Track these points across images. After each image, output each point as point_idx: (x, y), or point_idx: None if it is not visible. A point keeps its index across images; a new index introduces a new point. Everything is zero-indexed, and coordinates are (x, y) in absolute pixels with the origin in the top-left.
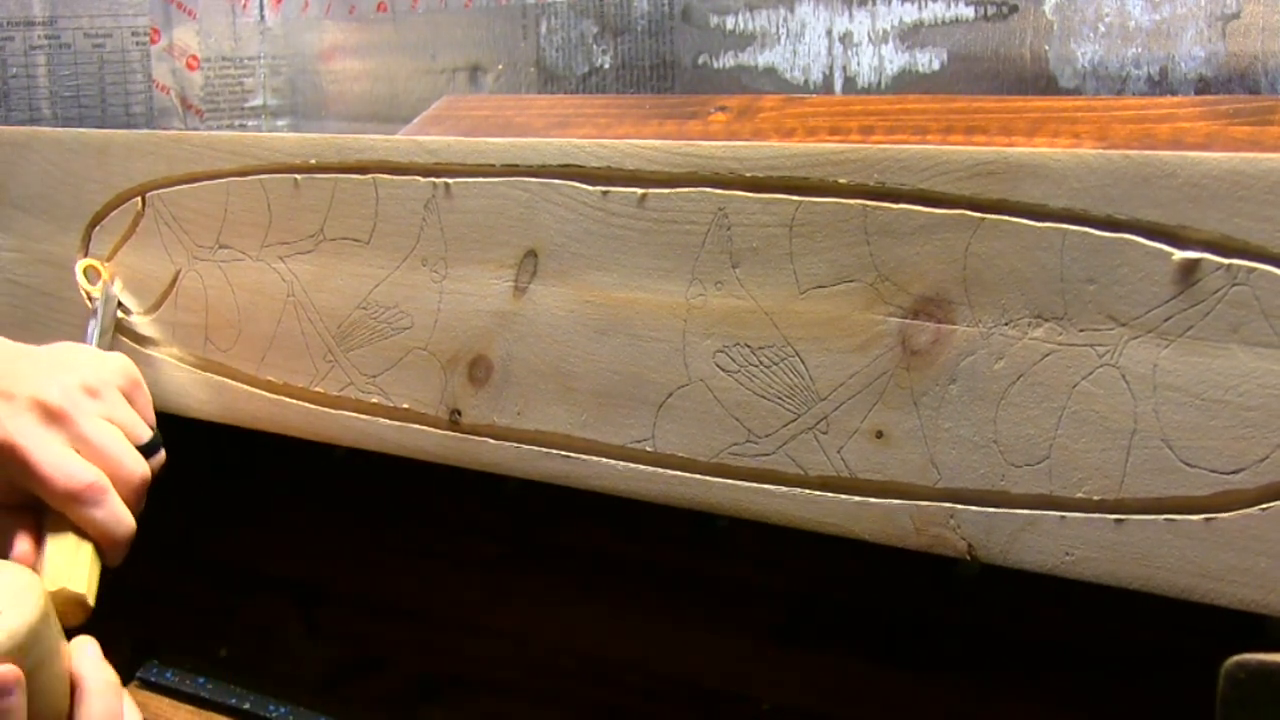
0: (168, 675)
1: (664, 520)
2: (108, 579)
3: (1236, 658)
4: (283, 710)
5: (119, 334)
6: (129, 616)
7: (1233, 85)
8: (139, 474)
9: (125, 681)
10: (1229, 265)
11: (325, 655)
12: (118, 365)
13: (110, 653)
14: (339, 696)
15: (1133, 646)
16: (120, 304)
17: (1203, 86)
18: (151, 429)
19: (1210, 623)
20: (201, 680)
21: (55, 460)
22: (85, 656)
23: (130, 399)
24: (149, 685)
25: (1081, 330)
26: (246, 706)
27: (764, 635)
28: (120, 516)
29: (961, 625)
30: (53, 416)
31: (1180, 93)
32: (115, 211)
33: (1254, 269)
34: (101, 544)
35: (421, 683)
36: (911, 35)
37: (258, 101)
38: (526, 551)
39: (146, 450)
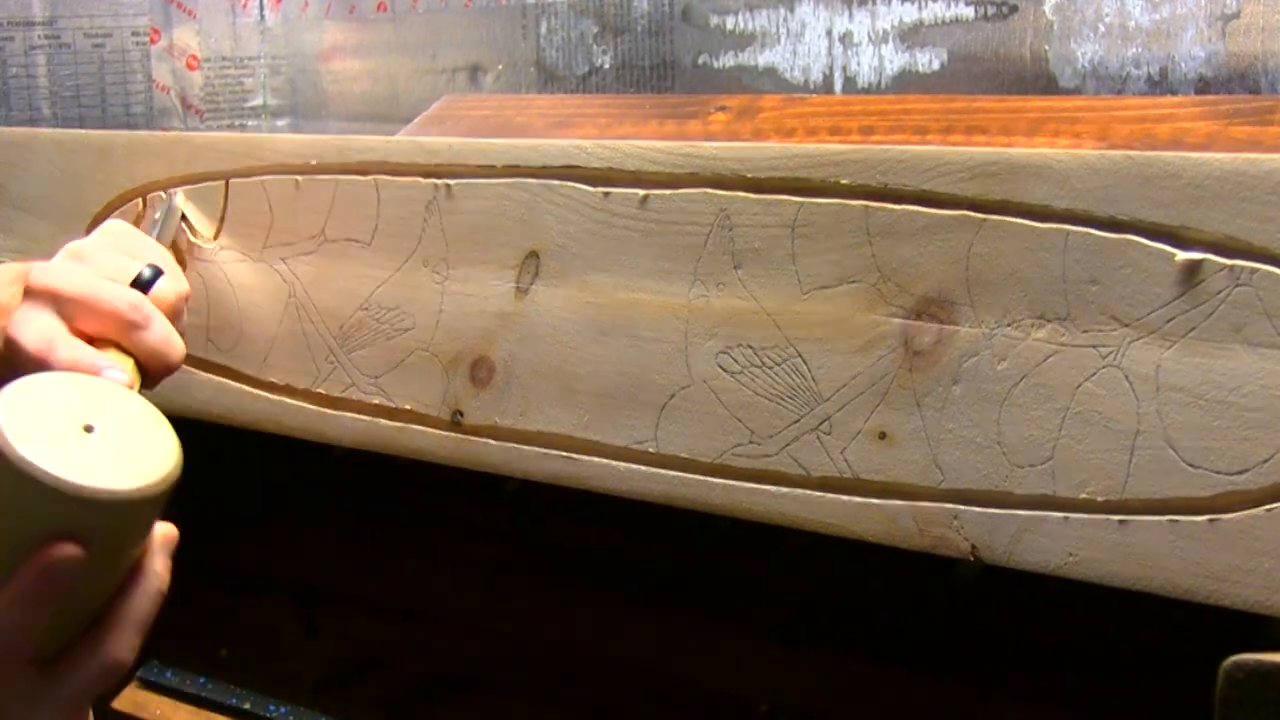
0: (168, 675)
1: (664, 520)
2: None
3: (1235, 658)
4: (283, 710)
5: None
6: None
7: (1233, 85)
8: (173, 294)
9: (125, 682)
10: (1232, 266)
11: (325, 655)
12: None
13: None
14: (339, 696)
15: (1132, 646)
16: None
17: (1203, 86)
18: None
19: (1210, 622)
20: (201, 680)
21: (93, 286)
22: (160, 550)
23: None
24: (149, 685)
25: (1084, 331)
26: (246, 706)
27: (764, 635)
28: (169, 336)
29: (961, 625)
30: (78, 256)
31: (1180, 93)
32: (116, 212)
33: (1257, 270)
34: (154, 368)
35: (421, 683)
36: (911, 35)
37: (258, 101)
38: (526, 551)
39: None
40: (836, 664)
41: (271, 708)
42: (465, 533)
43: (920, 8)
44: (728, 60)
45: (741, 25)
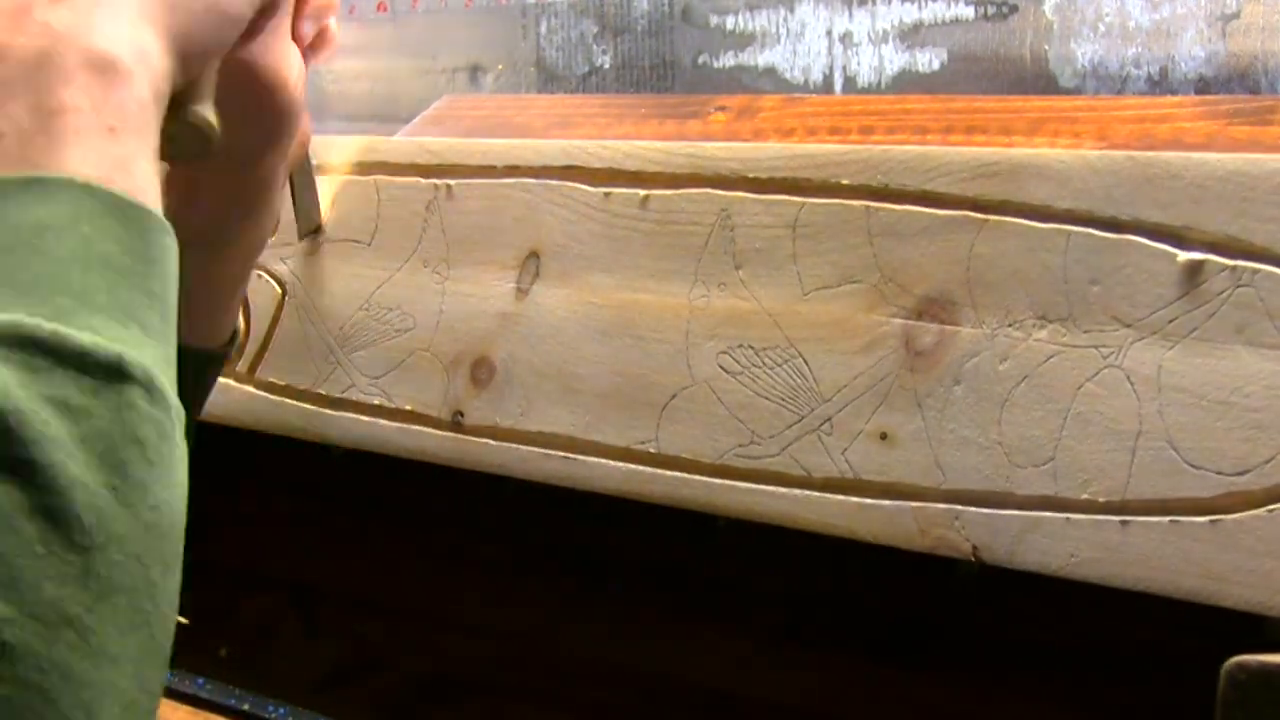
0: (167, 675)
1: (664, 520)
2: None
3: (1236, 658)
4: (282, 710)
5: None
6: None
7: (1233, 85)
8: None
9: None
10: (1234, 266)
11: (325, 655)
12: None
13: None
14: (339, 696)
15: (1132, 646)
16: None
17: (1203, 86)
18: None
19: (1211, 623)
20: (201, 680)
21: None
22: None
23: None
24: None
25: (1086, 331)
26: (246, 707)
27: (764, 635)
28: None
29: (962, 625)
30: None
31: (1180, 93)
32: None
33: (1259, 270)
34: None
35: (421, 683)
36: (911, 35)
37: None
38: (526, 551)
39: None
40: (836, 664)
41: (271, 708)
42: (465, 533)
43: (920, 8)
44: (728, 60)
45: (741, 25)
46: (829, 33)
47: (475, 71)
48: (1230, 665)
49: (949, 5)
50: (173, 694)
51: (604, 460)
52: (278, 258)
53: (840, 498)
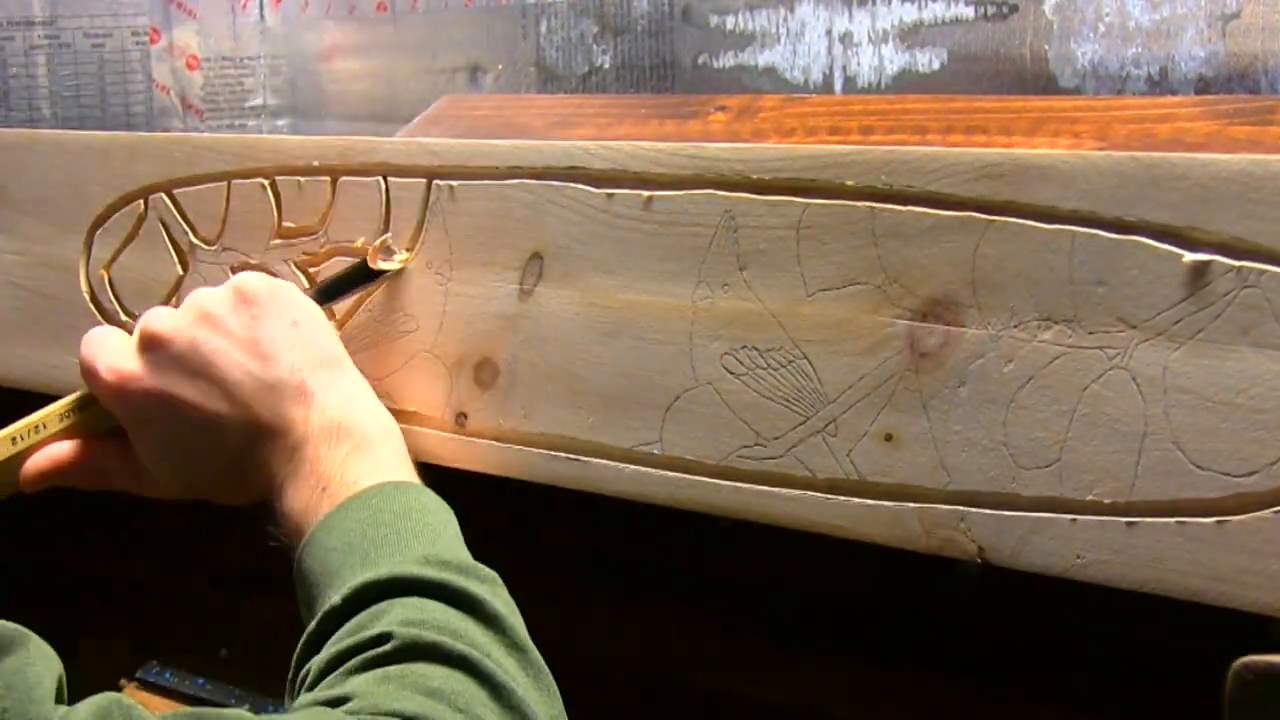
0: (167, 675)
1: (665, 521)
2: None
3: (1244, 659)
4: (282, 710)
5: None
6: (129, 616)
7: (1233, 85)
8: None
9: (125, 682)
10: (1239, 267)
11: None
12: None
13: (110, 652)
14: None
15: (1136, 647)
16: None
17: (1203, 86)
18: None
19: (1217, 624)
20: (201, 680)
21: None
22: None
23: None
24: (149, 685)
25: (1091, 333)
26: (246, 707)
27: (764, 635)
28: None
29: (962, 625)
30: None
31: (1180, 93)
32: (117, 214)
33: (1265, 271)
34: None
35: None
36: (911, 35)
37: (258, 101)
38: (528, 552)
39: None
40: (836, 664)
41: (271, 708)
42: (467, 533)
43: (920, 8)
44: (728, 60)
45: (741, 25)
46: (829, 33)
47: (475, 71)
48: (1238, 666)
49: (949, 5)
50: (173, 694)
51: (608, 462)
52: (279, 259)
53: (845, 499)
